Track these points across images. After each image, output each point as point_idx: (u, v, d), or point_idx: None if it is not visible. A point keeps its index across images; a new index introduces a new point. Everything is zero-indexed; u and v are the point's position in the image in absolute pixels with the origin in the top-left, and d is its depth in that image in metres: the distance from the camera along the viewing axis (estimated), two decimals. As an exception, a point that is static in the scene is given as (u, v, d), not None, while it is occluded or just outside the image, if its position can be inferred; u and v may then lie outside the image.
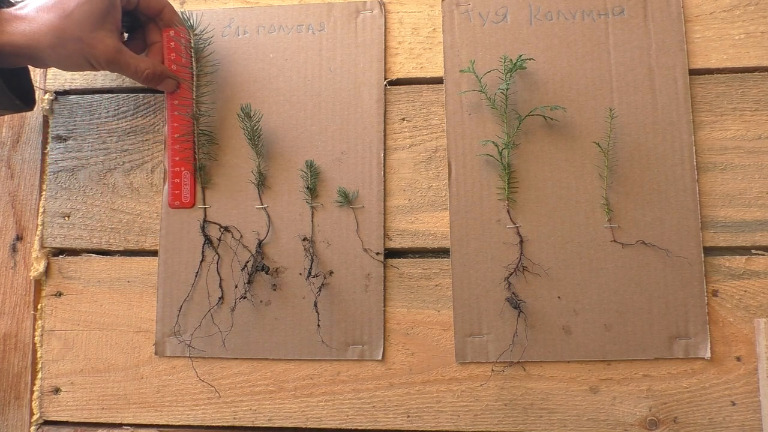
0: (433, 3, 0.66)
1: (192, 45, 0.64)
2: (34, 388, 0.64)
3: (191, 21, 0.64)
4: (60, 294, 0.66)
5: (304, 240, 0.63)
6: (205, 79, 0.66)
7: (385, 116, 0.65)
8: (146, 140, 0.67)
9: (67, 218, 0.67)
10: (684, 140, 0.61)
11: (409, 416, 0.60)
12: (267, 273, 0.62)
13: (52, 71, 0.69)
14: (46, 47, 0.54)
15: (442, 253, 0.63)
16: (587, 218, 0.61)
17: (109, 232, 0.66)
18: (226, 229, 0.64)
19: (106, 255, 0.66)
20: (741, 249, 0.60)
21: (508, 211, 0.61)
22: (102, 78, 0.69)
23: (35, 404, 0.64)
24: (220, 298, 0.63)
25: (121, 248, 0.66)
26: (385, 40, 0.66)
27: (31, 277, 0.65)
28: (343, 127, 0.64)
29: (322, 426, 0.61)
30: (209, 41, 0.66)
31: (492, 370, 0.60)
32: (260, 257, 0.63)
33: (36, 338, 0.65)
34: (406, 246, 0.63)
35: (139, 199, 0.66)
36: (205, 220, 0.64)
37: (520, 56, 0.61)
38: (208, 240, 0.64)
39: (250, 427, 0.62)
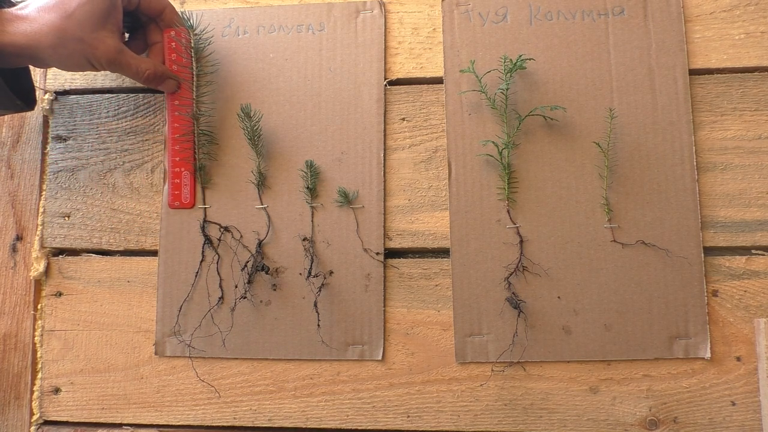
0: (433, 3, 0.66)
1: (192, 45, 0.64)
2: (34, 388, 0.64)
3: (191, 21, 0.64)
4: (60, 294, 0.66)
5: (304, 240, 0.63)
6: (205, 79, 0.66)
7: (385, 116, 0.65)
8: (146, 140, 0.67)
9: (67, 218, 0.67)
10: (684, 140, 0.61)
11: (409, 416, 0.60)
12: (267, 273, 0.62)
13: (52, 71, 0.69)
14: (47, 47, 0.54)
15: (442, 253, 0.63)
16: (587, 218, 0.61)
17: (109, 232, 0.66)
18: (226, 229, 0.64)
19: (106, 255, 0.66)
20: (741, 249, 0.60)
21: (508, 211, 0.61)
22: (102, 78, 0.69)
23: (35, 404, 0.64)
24: (220, 298, 0.63)
25: (121, 248, 0.66)
26: (385, 40, 0.66)
27: (31, 277, 0.65)
28: (343, 127, 0.64)
29: (322, 426, 0.61)
30: (209, 41, 0.66)
31: (492, 370, 0.60)
32: (260, 257, 0.63)
33: (36, 338, 0.65)
34: (406, 246, 0.63)
35: (139, 199, 0.66)
36: (205, 220, 0.64)
37: (520, 56, 0.61)
38: (208, 240, 0.64)
39: (250, 427, 0.62)
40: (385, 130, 0.64)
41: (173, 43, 0.64)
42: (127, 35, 0.65)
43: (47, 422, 0.64)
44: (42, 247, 0.66)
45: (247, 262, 0.63)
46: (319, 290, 0.62)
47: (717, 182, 0.61)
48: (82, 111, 0.68)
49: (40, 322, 0.65)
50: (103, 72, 0.69)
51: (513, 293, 0.60)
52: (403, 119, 0.65)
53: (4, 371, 0.65)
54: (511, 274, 0.60)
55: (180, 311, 0.63)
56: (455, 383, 0.60)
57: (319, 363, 0.62)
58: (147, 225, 0.65)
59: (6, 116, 0.69)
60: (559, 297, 0.60)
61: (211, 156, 0.65)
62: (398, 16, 0.66)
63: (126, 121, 0.68)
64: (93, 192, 0.67)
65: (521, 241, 0.61)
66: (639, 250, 0.60)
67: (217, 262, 0.63)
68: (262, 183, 0.64)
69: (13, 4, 0.57)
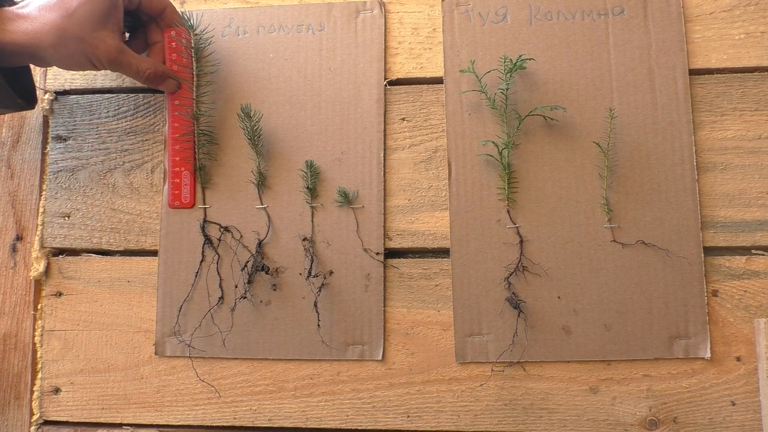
0: (433, 3, 0.66)
1: (192, 45, 0.64)
2: (34, 388, 0.64)
3: (191, 21, 0.64)
4: (60, 294, 0.66)
5: (304, 240, 0.63)
6: (205, 79, 0.66)
7: (385, 116, 0.65)
8: (146, 140, 0.67)
9: (67, 218, 0.67)
10: (684, 140, 0.61)
11: (409, 416, 0.60)
12: (267, 273, 0.62)
13: (53, 71, 0.69)
14: (47, 46, 0.54)
15: (442, 253, 0.63)
16: (587, 218, 0.61)
17: (109, 232, 0.66)
18: (226, 229, 0.64)
19: (106, 255, 0.66)
20: (741, 249, 0.60)
21: (508, 211, 0.61)
22: (102, 78, 0.69)
23: (35, 404, 0.64)
24: (220, 298, 0.63)
25: (121, 248, 0.66)
26: (385, 40, 0.66)
27: (31, 277, 0.65)
28: (343, 127, 0.64)
29: (322, 426, 0.61)
30: (209, 41, 0.66)
31: (492, 370, 0.60)
32: (260, 257, 0.63)
33: (36, 338, 0.65)
34: (406, 246, 0.63)
35: (139, 199, 0.66)
36: (205, 220, 0.64)
37: (520, 56, 0.61)
38: (208, 240, 0.64)
39: (250, 427, 0.62)
40: (385, 130, 0.64)
41: (174, 43, 0.64)
42: (127, 35, 0.65)
43: (47, 422, 0.64)
44: (42, 247, 0.66)
45: (247, 262, 0.63)
46: (319, 290, 0.62)
47: (717, 182, 0.61)
48: (82, 111, 0.68)
49: (40, 322, 0.65)
50: (103, 72, 0.69)
51: (513, 293, 0.60)
52: (403, 119, 0.65)
53: (4, 371, 0.65)
54: (511, 274, 0.60)
55: (180, 311, 0.63)
56: (455, 383, 0.60)
57: (319, 363, 0.62)
58: (147, 225, 0.65)
59: (6, 116, 0.69)
60: (559, 297, 0.60)
61: (211, 156, 0.65)
62: (398, 16, 0.66)
63: (126, 121, 0.68)
64: (93, 192, 0.67)
65: (521, 241, 0.61)
66: (639, 250, 0.60)
67: (217, 262, 0.63)
68: (262, 183, 0.64)
69: (14, 3, 0.57)
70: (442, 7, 0.66)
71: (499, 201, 0.62)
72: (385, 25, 0.66)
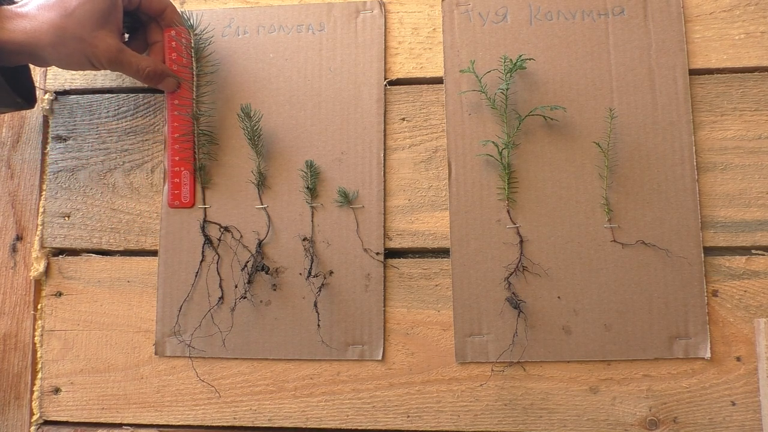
0: (433, 3, 0.66)
1: (192, 45, 0.64)
2: (34, 388, 0.64)
3: (191, 21, 0.64)
4: (60, 294, 0.66)
5: (304, 240, 0.63)
6: (205, 79, 0.66)
7: (385, 116, 0.65)
8: (146, 140, 0.67)
9: (67, 218, 0.67)
10: (684, 140, 0.61)
11: (409, 416, 0.60)
12: (267, 273, 0.62)
13: (52, 71, 0.69)
14: (47, 45, 0.54)
15: (442, 253, 0.63)
16: (587, 218, 0.61)
17: (109, 232, 0.66)
18: (226, 229, 0.64)
19: (106, 255, 0.66)
20: (741, 249, 0.60)
21: (508, 211, 0.61)
22: (102, 78, 0.69)
23: (35, 404, 0.64)
24: (220, 298, 0.63)
25: (121, 248, 0.66)
26: (385, 40, 0.66)
27: (31, 277, 0.65)
28: (343, 127, 0.64)
29: (322, 426, 0.61)
30: (209, 41, 0.66)
31: (492, 370, 0.60)
32: (260, 257, 0.63)
33: (36, 338, 0.65)
34: (406, 246, 0.63)
35: (139, 199, 0.66)
36: (205, 220, 0.64)
37: (520, 56, 0.61)
38: (208, 240, 0.64)
39: (250, 427, 0.62)
40: (385, 130, 0.64)
41: (173, 43, 0.64)
42: (127, 35, 0.65)
43: (47, 422, 0.64)
44: (42, 247, 0.66)
45: (247, 262, 0.63)
46: (319, 290, 0.62)
47: (717, 182, 0.61)
48: (82, 111, 0.68)
49: (40, 322, 0.65)
50: (103, 72, 0.69)
51: (513, 293, 0.60)
52: (403, 119, 0.65)
53: (4, 371, 0.65)
54: (511, 274, 0.60)
55: (180, 311, 0.63)
56: (455, 383, 0.60)
57: (319, 363, 0.62)
58: (147, 225, 0.65)
59: (6, 116, 0.69)
60: (559, 297, 0.60)
61: (211, 156, 0.65)
62: (398, 16, 0.66)
63: (126, 121, 0.68)
64: (93, 192, 0.67)
65: (521, 241, 0.61)
66: (639, 250, 0.60)
67: (217, 262, 0.63)
68: (262, 183, 0.64)
69: (13, 2, 0.57)
70: (442, 7, 0.66)
71: (499, 201, 0.62)
72: (385, 25, 0.66)
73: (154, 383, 0.63)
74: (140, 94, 0.68)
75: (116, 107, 0.68)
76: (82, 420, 0.63)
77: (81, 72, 0.69)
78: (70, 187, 0.67)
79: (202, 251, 0.64)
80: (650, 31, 0.63)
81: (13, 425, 0.64)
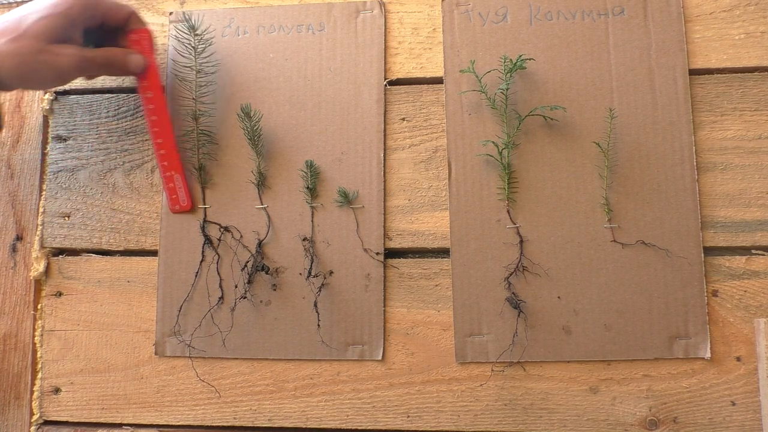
0: (433, 3, 0.66)
1: (192, 45, 0.64)
2: (34, 388, 0.64)
3: (191, 21, 0.64)
4: (60, 294, 0.66)
5: (304, 240, 0.63)
6: (205, 79, 0.66)
7: (385, 116, 0.65)
8: (146, 140, 0.67)
9: (67, 218, 0.67)
10: (684, 140, 0.61)
11: (409, 416, 0.60)
12: (267, 273, 0.62)
13: (52, 71, 0.69)
14: (8, 69, 0.53)
15: (442, 253, 0.63)
16: (587, 218, 0.61)
17: (109, 232, 0.66)
18: (226, 229, 0.64)
19: (106, 255, 0.66)
20: (741, 249, 0.60)
21: (508, 211, 0.61)
22: (102, 78, 0.69)
23: (35, 404, 0.64)
24: (220, 298, 0.63)
25: (121, 248, 0.66)
26: (385, 40, 0.66)
27: (31, 277, 0.66)
28: (343, 127, 0.64)
29: (322, 426, 0.61)
30: (209, 41, 0.66)
31: (492, 370, 0.60)
32: (260, 257, 0.63)
33: (36, 338, 0.65)
34: (406, 246, 0.63)
35: (139, 199, 0.66)
36: (205, 220, 0.64)
37: (520, 56, 0.61)
38: (208, 240, 0.64)
39: (250, 427, 0.62)
40: (385, 130, 0.64)
41: (136, 46, 0.62)
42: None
43: (47, 422, 0.64)
44: (42, 247, 0.66)
45: (247, 262, 0.63)
46: (319, 290, 0.62)
47: (717, 182, 0.61)
48: (82, 111, 0.68)
49: (40, 322, 0.65)
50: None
51: (513, 293, 0.60)
52: (403, 119, 0.65)
53: (4, 371, 0.65)
54: (511, 274, 0.60)
55: (180, 311, 0.63)
56: (455, 383, 0.60)
57: (319, 363, 0.62)
58: (147, 225, 0.65)
59: (6, 116, 0.69)
60: (559, 297, 0.60)
61: (211, 156, 0.65)
62: (398, 16, 0.66)
63: (126, 121, 0.68)
64: (93, 192, 0.67)
65: (521, 241, 0.61)
66: (639, 250, 0.60)
67: (217, 262, 0.63)
68: (262, 183, 0.64)
69: None
70: (442, 7, 0.66)
71: (499, 201, 0.62)
72: (385, 25, 0.66)
73: (154, 383, 0.63)
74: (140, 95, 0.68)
75: (116, 107, 0.68)
76: (82, 420, 0.63)
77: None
78: (70, 187, 0.67)
79: (202, 251, 0.64)
80: (650, 31, 0.63)
81: (13, 425, 0.64)
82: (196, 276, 0.63)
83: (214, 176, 0.65)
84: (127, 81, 0.69)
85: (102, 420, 0.63)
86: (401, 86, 0.65)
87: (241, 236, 0.64)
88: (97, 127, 0.68)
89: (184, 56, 0.64)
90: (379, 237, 0.62)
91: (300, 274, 0.63)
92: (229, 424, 0.62)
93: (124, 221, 0.66)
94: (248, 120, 0.61)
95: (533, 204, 0.61)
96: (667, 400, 0.58)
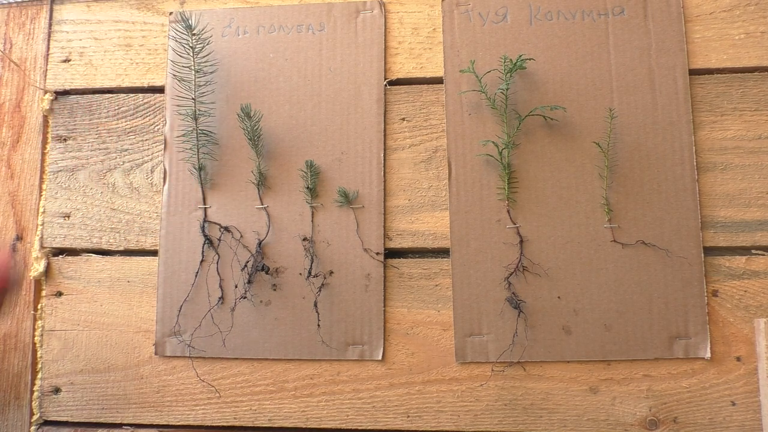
0: (433, 3, 0.66)
1: (190, 45, 0.64)
2: (34, 388, 0.64)
3: (188, 21, 0.64)
4: (60, 294, 0.66)
5: (304, 240, 0.63)
6: (204, 78, 0.66)
7: (385, 116, 0.65)
8: (146, 140, 0.67)
9: (67, 218, 0.67)
10: (684, 140, 0.61)
11: (409, 416, 0.60)
12: (267, 273, 0.62)
13: (53, 71, 0.69)
14: None
15: (442, 253, 0.63)
16: (587, 218, 0.61)
17: (109, 232, 0.66)
18: (227, 229, 0.64)
19: (106, 255, 0.66)
20: (741, 249, 0.60)
21: (508, 211, 0.61)
22: (102, 78, 0.69)
23: (35, 404, 0.64)
24: (220, 298, 0.63)
25: (121, 248, 0.66)
26: (385, 40, 0.66)
27: (31, 277, 0.65)
28: (343, 127, 0.64)
29: (322, 426, 0.61)
30: (207, 41, 0.66)
31: (492, 370, 0.60)
32: (260, 257, 0.63)
33: (36, 338, 0.65)
34: (406, 246, 0.63)
35: (139, 199, 0.66)
36: (205, 220, 0.64)
37: (520, 56, 0.60)
38: (208, 240, 0.64)
39: (250, 427, 0.62)
40: (385, 130, 0.64)
41: None
42: None
43: (47, 422, 0.64)
44: (42, 247, 0.66)
45: (247, 262, 0.63)
46: (319, 290, 0.62)
47: (717, 182, 0.61)
48: (82, 111, 0.68)
49: (40, 322, 0.65)
50: (102, 72, 0.69)
51: (513, 293, 0.60)
52: (403, 119, 0.65)
53: (4, 371, 0.65)
54: (511, 274, 0.60)
55: (180, 311, 0.63)
56: (455, 383, 0.60)
57: (319, 363, 0.62)
58: (147, 225, 0.65)
59: (6, 116, 0.69)
60: (559, 297, 0.60)
61: (211, 156, 0.65)
62: (398, 16, 0.66)
63: (126, 121, 0.68)
64: (93, 192, 0.67)
65: (521, 241, 0.61)
66: (639, 250, 0.60)
67: (217, 262, 0.63)
68: (262, 183, 0.64)
69: None
70: (442, 7, 0.66)
71: (499, 201, 0.62)
72: (385, 25, 0.66)
73: (154, 383, 0.63)
74: (140, 94, 0.68)
75: (116, 107, 0.68)
76: (82, 420, 0.63)
77: (81, 72, 0.69)
78: (70, 187, 0.67)
79: (202, 251, 0.64)
80: (650, 31, 0.63)
81: (13, 425, 0.64)
82: (196, 276, 0.63)
83: (214, 176, 0.65)
84: (127, 81, 0.69)
85: (102, 420, 0.63)
86: (401, 86, 0.65)
87: (241, 236, 0.64)
88: (97, 127, 0.68)
89: (183, 56, 0.64)
90: (379, 237, 0.62)
91: (300, 274, 0.63)
92: (229, 424, 0.62)
93: (124, 221, 0.66)
94: (248, 120, 0.61)
95: (533, 204, 0.61)
96: (667, 400, 0.58)
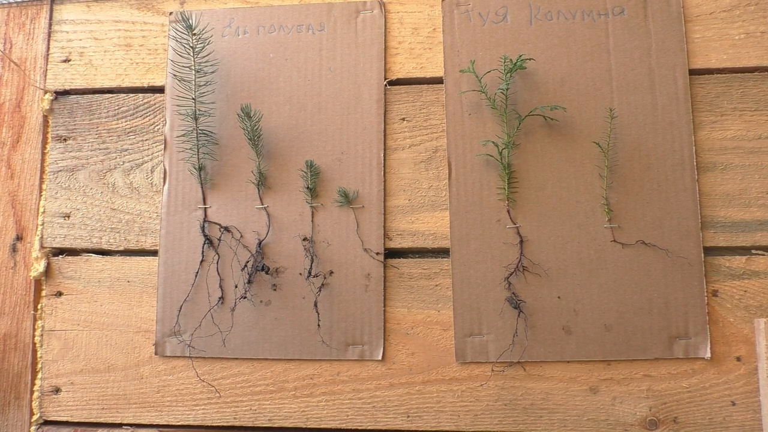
0: (433, 3, 0.66)
1: (191, 45, 0.64)
2: (34, 388, 0.64)
3: (189, 21, 0.64)
4: (60, 294, 0.66)
5: (304, 240, 0.63)
6: (204, 78, 0.66)
7: (385, 116, 0.65)
8: (146, 140, 0.67)
9: (67, 218, 0.67)
10: (684, 140, 0.61)
11: (409, 416, 0.60)
12: (267, 273, 0.62)
13: (53, 71, 0.69)
14: None
15: (442, 253, 0.63)
16: (587, 218, 0.61)
17: (109, 232, 0.66)
18: (227, 229, 0.64)
19: (106, 255, 0.66)
20: (741, 249, 0.60)
21: (508, 211, 0.61)
22: (102, 78, 0.69)
23: (35, 404, 0.64)
24: (220, 298, 0.63)
25: (121, 248, 0.66)
26: (385, 40, 0.66)
27: (31, 277, 0.65)
28: (343, 127, 0.64)
29: (322, 426, 0.61)
30: (207, 41, 0.66)
31: (492, 370, 0.60)
32: (260, 257, 0.63)
33: (36, 338, 0.65)
34: (406, 246, 0.63)
35: (139, 199, 0.66)
36: (205, 220, 0.64)
37: (520, 56, 0.60)
38: (208, 240, 0.64)
39: (250, 427, 0.62)
40: (385, 130, 0.64)
41: None
42: None
43: (47, 422, 0.64)
44: (42, 247, 0.66)
45: (247, 262, 0.63)
46: (319, 290, 0.62)
47: (717, 182, 0.61)
48: (82, 111, 0.68)
49: (40, 322, 0.65)
50: (102, 72, 0.69)
51: (513, 293, 0.60)
52: (403, 119, 0.65)
53: (4, 371, 0.65)
54: (511, 274, 0.60)
55: (180, 311, 0.63)
56: (455, 383, 0.60)
57: (319, 363, 0.62)
58: (147, 225, 0.65)
59: (6, 116, 0.69)
60: (559, 297, 0.60)
61: (211, 156, 0.65)
62: (398, 16, 0.66)
63: (126, 121, 0.68)
64: (93, 192, 0.67)
65: (521, 241, 0.61)
66: (639, 250, 0.60)
67: (217, 262, 0.63)
68: (262, 183, 0.64)
69: None
70: (442, 7, 0.66)
71: (499, 201, 0.62)
72: (385, 25, 0.66)
73: (154, 383, 0.63)
74: (140, 94, 0.68)
75: (116, 107, 0.68)
76: (82, 420, 0.63)
77: (81, 72, 0.69)
78: (70, 187, 0.67)
79: (202, 251, 0.64)
80: (650, 31, 0.63)
81: (13, 425, 0.64)
82: (196, 276, 0.63)
83: (214, 176, 0.65)
84: (127, 81, 0.69)
85: (102, 420, 0.63)
86: (401, 86, 0.65)
87: (241, 236, 0.64)
88: (97, 127, 0.68)
89: (183, 56, 0.64)
90: (379, 237, 0.62)
91: (300, 274, 0.63)
92: (229, 424, 0.62)
93: (124, 221, 0.66)
94: (248, 120, 0.61)
95: (533, 204, 0.61)
96: (667, 400, 0.58)
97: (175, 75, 0.66)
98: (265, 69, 0.66)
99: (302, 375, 0.62)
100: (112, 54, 0.69)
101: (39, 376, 0.65)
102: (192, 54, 0.64)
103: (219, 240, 0.64)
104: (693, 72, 0.62)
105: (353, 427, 0.61)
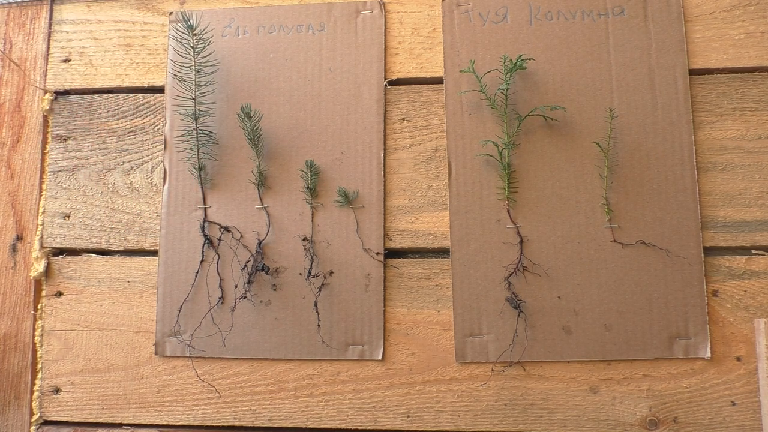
0: (433, 3, 0.66)
1: (191, 45, 0.64)
2: (34, 388, 0.64)
3: (189, 21, 0.64)
4: (60, 294, 0.66)
5: (304, 240, 0.63)
6: (204, 78, 0.66)
7: (385, 116, 0.65)
8: (146, 140, 0.67)
9: (67, 218, 0.67)
10: (684, 140, 0.61)
11: (409, 416, 0.60)
12: (267, 273, 0.62)
13: (53, 71, 0.69)
14: None
15: (442, 253, 0.63)
16: (587, 218, 0.61)
17: (109, 232, 0.66)
18: (227, 229, 0.64)
19: (106, 255, 0.66)
20: (741, 249, 0.60)
21: (508, 211, 0.61)
22: (102, 78, 0.69)
23: (35, 404, 0.64)
24: (220, 298, 0.63)
25: (121, 248, 0.66)
26: (385, 40, 0.66)
27: (31, 277, 0.65)
28: (343, 127, 0.64)
29: (322, 426, 0.61)
30: (208, 41, 0.66)
31: (492, 370, 0.60)
32: (260, 257, 0.63)
33: (36, 338, 0.65)
34: (406, 246, 0.63)
35: (139, 199, 0.66)
36: (205, 220, 0.64)
37: (520, 56, 0.61)
38: (208, 240, 0.64)
39: (250, 427, 0.62)
40: (385, 130, 0.64)
41: None
42: None
43: (47, 422, 0.64)
44: (42, 247, 0.66)
45: (247, 262, 0.63)
46: (319, 290, 0.62)
47: (717, 182, 0.61)
48: (82, 111, 0.68)
49: (40, 322, 0.65)
50: (102, 72, 0.69)
51: (513, 293, 0.60)
52: (403, 119, 0.65)
53: (4, 371, 0.65)
54: (511, 274, 0.60)
55: (180, 311, 0.63)
56: (455, 383, 0.60)
57: (319, 363, 0.62)
58: (147, 225, 0.65)
59: (6, 116, 0.69)
60: (559, 297, 0.60)
61: (211, 156, 0.65)
62: (398, 16, 0.66)
63: (126, 121, 0.68)
64: (93, 192, 0.67)
65: (521, 241, 0.61)
66: (639, 250, 0.60)
67: (217, 262, 0.63)
68: (262, 183, 0.64)
69: None
70: (442, 7, 0.66)
71: (499, 201, 0.62)
72: (385, 25, 0.66)
73: (154, 383, 0.63)
74: (140, 94, 0.68)
75: (116, 107, 0.68)
76: (82, 420, 0.63)
77: (81, 72, 0.69)
78: (70, 187, 0.67)
79: (202, 251, 0.64)
80: (650, 31, 0.63)
81: (13, 425, 0.64)
82: (196, 276, 0.63)
83: (214, 176, 0.65)
84: (127, 81, 0.69)
85: (102, 420, 0.63)
86: (401, 86, 0.65)
87: (241, 236, 0.64)
88: (97, 127, 0.68)
89: (183, 56, 0.64)
90: (379, 237, 0.62)
91: (300, 274, 0.63)
92: (229, 424, 0.62)
93: (124, 221, 0.66)
94: (248, 120, 0.61)
95: (533, 204, 0.61)
96: (667, 400, 0.58)
97: (175, 75, 0.66)
98: (265, 69, 0.66)
99: (302, 375, 0.62)
100: (112, 54, 0.69)
101: (39, 376, 0.65)
102: (192, 54, 0.64)
103: (219, 240, 0.64)
104: (693, 72, 0.62)
105: (353, 427, 0.61)
